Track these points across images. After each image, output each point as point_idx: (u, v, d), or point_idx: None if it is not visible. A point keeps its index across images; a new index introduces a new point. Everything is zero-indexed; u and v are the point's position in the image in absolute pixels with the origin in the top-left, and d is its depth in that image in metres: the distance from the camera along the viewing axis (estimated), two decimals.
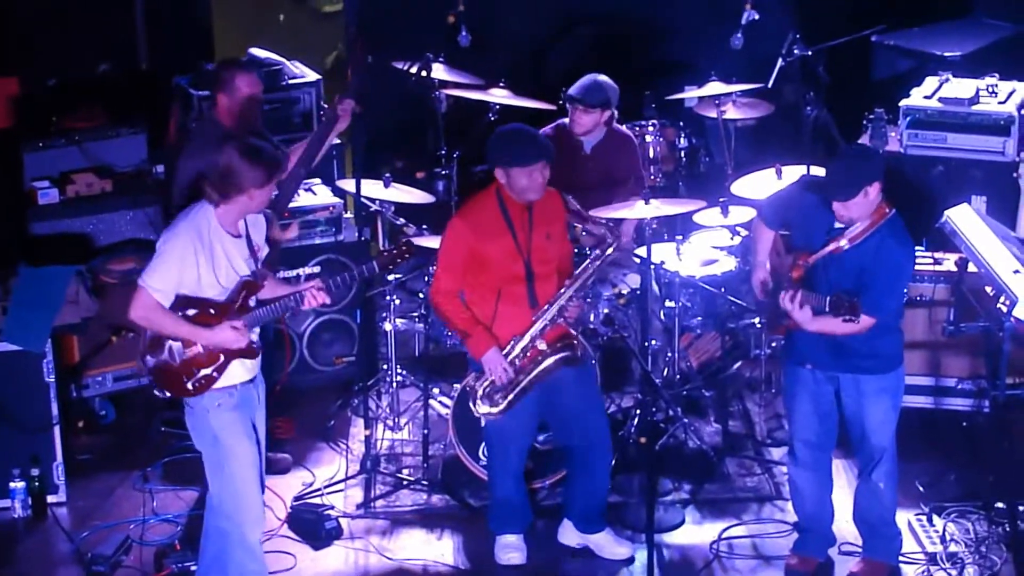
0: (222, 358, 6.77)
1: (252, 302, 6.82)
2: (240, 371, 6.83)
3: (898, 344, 7.18)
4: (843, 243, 6.94)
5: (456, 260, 7.33)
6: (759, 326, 8.72)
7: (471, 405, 7.43)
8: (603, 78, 8.82)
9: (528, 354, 7.36)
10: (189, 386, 6.75)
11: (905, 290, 7.30)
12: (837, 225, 6.96)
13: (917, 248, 8.38)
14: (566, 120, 8.92)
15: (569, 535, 7.75)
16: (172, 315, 6.67)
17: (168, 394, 6.82)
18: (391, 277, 8.75)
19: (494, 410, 7.39)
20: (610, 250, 7.45)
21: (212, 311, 6.72)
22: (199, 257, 6.64)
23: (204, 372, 6.75)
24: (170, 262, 6.63)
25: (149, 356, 6.77)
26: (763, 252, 7.34)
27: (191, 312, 6.71)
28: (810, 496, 7.45)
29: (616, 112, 8.92)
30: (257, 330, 6.90)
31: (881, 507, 7.34)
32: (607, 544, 7.68)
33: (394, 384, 8.82)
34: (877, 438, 7.20)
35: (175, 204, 7.90)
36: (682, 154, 9.78)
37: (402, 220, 8.89)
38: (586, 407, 7.53)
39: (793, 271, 7.05)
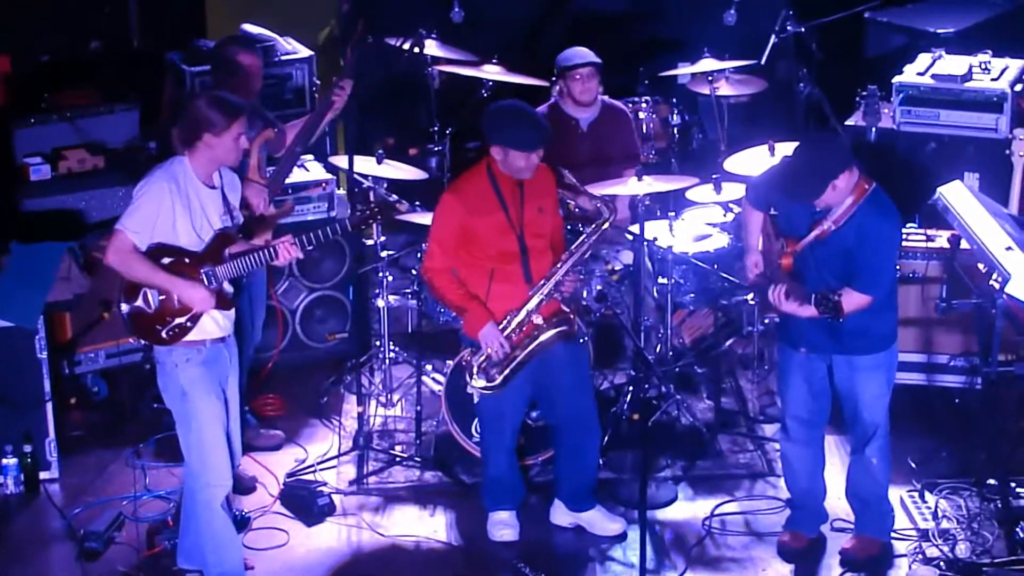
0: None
1: (226, 255, 6.88)
2: (212, 327, 6.90)
3: (892, 323, 7.16)
4: (828, 225, 6.91)
5: (448, 236, 7.32)
6: (752, 303, 8.73)
7: (467, 380, 7.43)
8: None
9: (524, 328, 7.35)
10: (164, 335, 6.83)
11: (897, 266, 7.29)
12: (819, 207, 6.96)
13: (910, 225, 8.41)
14: (558, 100, 8.92)
15: (560, 515, 7.75)
16: (147, 261, 6.74)
17: (143, 342, 6.93)
18: (384, 254, 8.75)
19: (491, 385, 7.39)
20: (605, 224, 7.43)
21: (187, 260, 6.80)
22: (175, 203, 6.73)
23: (178, 321, 6.82)
24: (147, 206, 6.73)
25: (124, 303, 6.86)
26: (754, 235, 7.32)
27: (166, 261, 6.78)
28: (802, 472, 7.45)
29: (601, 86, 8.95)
30: (229, 284, 6.94)
31: (874, 483, 7.34)
32: (598, 521, 7.68)
33: (387, 361, 8.82)
34: (870, 414, 7.20)
35: None
36: (675, 131, 9.80)
37: (395, 196, 8.89)
38: (576, 385, 7.53)
39: (782, 259, 7.02)
